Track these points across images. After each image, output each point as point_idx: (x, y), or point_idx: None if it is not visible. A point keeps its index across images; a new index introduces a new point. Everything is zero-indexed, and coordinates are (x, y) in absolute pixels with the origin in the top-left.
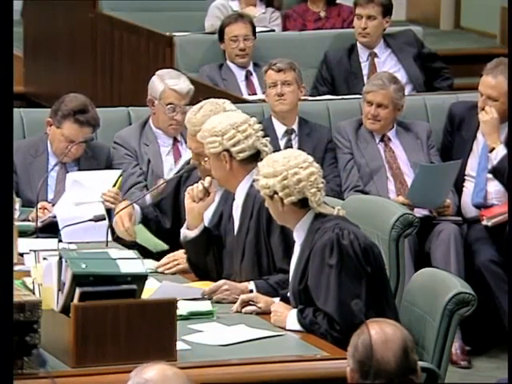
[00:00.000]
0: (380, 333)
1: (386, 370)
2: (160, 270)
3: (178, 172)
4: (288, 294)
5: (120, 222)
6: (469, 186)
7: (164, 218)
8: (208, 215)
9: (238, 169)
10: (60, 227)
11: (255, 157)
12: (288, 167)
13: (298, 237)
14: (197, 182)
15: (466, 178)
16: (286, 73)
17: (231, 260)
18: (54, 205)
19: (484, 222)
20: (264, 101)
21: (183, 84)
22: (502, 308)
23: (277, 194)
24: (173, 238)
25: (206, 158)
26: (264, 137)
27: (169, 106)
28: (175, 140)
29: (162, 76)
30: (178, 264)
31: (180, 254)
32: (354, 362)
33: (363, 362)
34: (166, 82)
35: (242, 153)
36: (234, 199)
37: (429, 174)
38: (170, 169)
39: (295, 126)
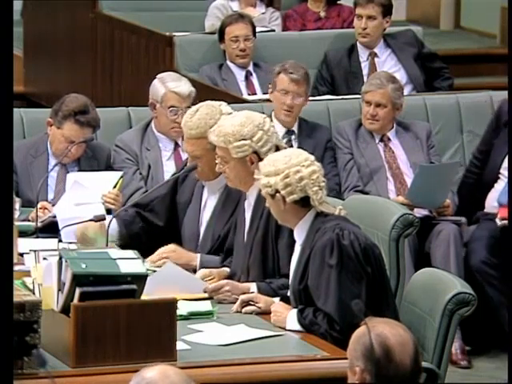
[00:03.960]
0: (396, 335)
1: (402, 373)
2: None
3: (176, 173)
4: (288, 294)
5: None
6: (501, 183)
7: (156, 218)
8: (206, 217)
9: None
10: (60, 227)
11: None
12: (290, 165)
13: (299, 236)
14: (194, 183)
15: (499, 176)
16: (300, 85)
17: (238, 258)
18: (54, 205)
19: (497, 220)
20: (265, 100)
21: (184, 86)
22: (498, 309)
23: (278, 192)
24: (167, 236)
25: (218, 160)
26: None
27: (171, 109)
28: (176, 145)
29: (162, 79)
30: (166, 257)
31: (170, 248)
32: (367, 363)
33: (380, 365)
34: (167, 85)
35: (269, 152)
36: (237, 200)
37: (428, 174)
38: (171, 174)
39: (295, 128)
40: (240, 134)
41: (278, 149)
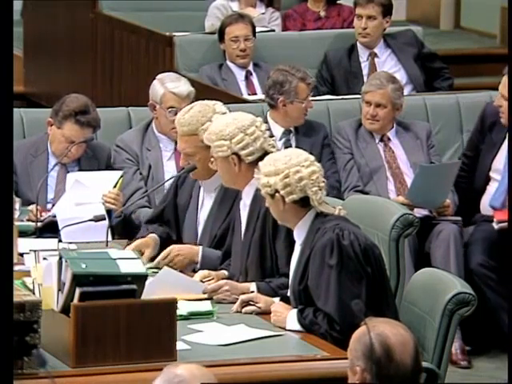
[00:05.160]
0: (397, 334)
1: (403, 373)
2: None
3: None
4: (288, 294)
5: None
6: (492, 185)
7: (169, 229)
8: (203, 216)
9: (246, 170)
10: (60, 227)
11: (263, 158)
12: (290, 165)
13: (299, 236)
14: (192, 185)
15: (490, 179)
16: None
17: (236, 259)
18: (54, 205)
19: (494, 224)
20: (264, 101)
21: (183, 87)
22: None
23: (278, 192)
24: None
25: (213, 159)
26: (271, 137)
27: (170, 110)
28: (177, 145)
29: (161, 80)
30: (178, 255)
31: (183, 248)
32: (368, 363)
33: (381, 364)
34: (166, 86)
35: (250, 156)
36: (234, 199)
37: (429, 174)
38: (171, 175)
39: (292, 127)
40: (221, 134)
41: (266, 153)
